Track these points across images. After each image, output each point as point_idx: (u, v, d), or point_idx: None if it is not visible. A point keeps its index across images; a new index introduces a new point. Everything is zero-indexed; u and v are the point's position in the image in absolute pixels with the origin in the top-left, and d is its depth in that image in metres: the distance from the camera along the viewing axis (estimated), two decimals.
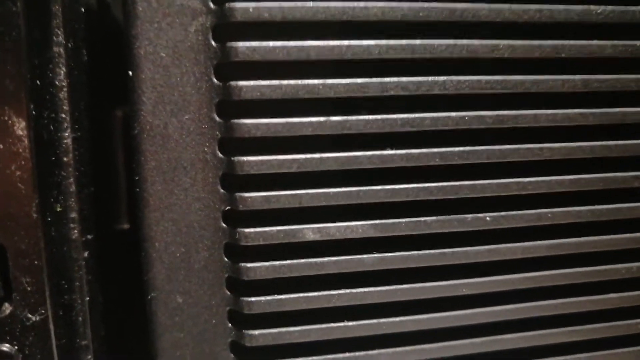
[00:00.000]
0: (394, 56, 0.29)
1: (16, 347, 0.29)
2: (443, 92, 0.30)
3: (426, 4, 0.29)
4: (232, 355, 0.33)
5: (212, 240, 0.31)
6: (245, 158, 0.29)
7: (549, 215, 0.33)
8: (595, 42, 0.31)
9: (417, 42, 0.29)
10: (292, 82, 0.29)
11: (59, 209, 0.29)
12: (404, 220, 0.31)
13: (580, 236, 0.34)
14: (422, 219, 0.32)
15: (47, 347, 0.29)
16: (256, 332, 0.32)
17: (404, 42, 0.29)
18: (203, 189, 0.30)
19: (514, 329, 0.35)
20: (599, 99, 0.32)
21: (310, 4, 0.28)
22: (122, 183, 0.34)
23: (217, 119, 0.29)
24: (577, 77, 0.31)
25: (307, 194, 0.30)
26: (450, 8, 0.29)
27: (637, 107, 0.32)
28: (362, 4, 0.28)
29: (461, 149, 0.31)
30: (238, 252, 0.31)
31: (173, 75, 0.28)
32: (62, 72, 0.28)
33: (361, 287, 0.32)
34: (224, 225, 0.31)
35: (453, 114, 0.30)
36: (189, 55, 0.28)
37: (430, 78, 0.30)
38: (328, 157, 0.30)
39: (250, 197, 0.30)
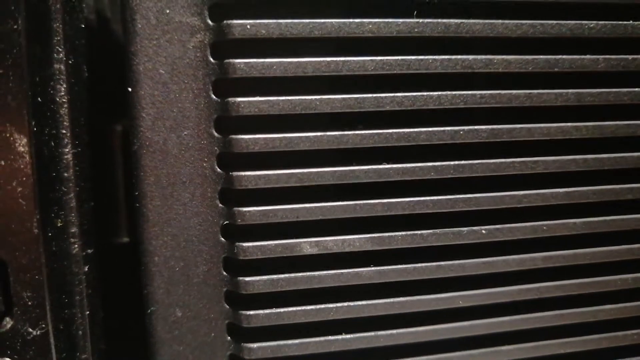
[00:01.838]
0: (389, 71, 0.30)
1: None
2: (438, 106, 0.30)
3: (421, 20, 0.29)
4: None
5: (211, 255, 0.31)
6: (243, 173, 0.29)
7: (544, 227, 0.33)
8: (588, 56, 0.31)
9: (412, 57, 0.30)
10: (289, 98, 0.29)
11: (59, 224, 0.29)
12: (400, 233, 0.32)
13: (575, 248, 0.34)
14: (419, 232, 0.32)
15: None
16: (255, 345, 0.32)
17: (399, 57, 0.29)
18: (202, 204, 0.30)
19: (511, 341, 0.35)
20: (592, 112, 0.32)
21: (307, 20, 0.28)
22: (121, 197, 0.34)
23: (216, 134, 0.29)
24: (571, 91, 0.32)
25: (305, 208, 0.30)
26: (445, 23, 0.30)
27: (630, 120, 0.33)
28: (357, 20, 0.29)
29: (456, 162, 0.31)
30: (236, 266, 0.31)
31: (172, 91, 0.29)
32: (63, 89, 0.29)
33: (358, 300, 0.32)
34: (223, 239, 0.31)
35: (448, 128, 0.31)
36: (187, 72, 0.29)
37: (425, 93, 0.30)
38: (325, 172, 0.30)
39: (249, 211, 0.30)
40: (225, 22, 0.28)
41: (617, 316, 0.36)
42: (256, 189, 0.30)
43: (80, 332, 0.31)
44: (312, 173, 0.30)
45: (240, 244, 0.30)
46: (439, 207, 0.32)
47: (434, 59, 0.30)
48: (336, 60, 0.29)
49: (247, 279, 0.31)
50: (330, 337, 0.32)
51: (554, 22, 0.31)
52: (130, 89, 0.29)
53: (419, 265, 0.32)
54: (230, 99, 0.29)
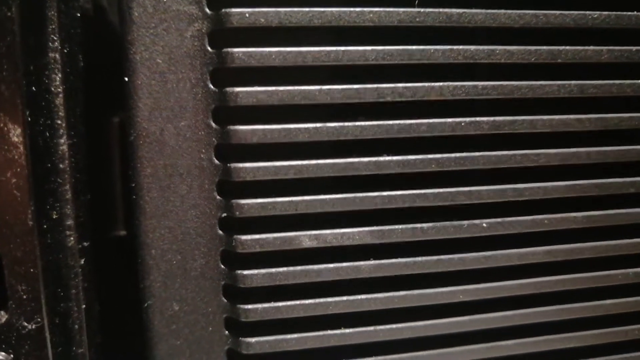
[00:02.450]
0: (390, 62, 0.29)
1: (12, 356, 0.29)
2: (439, 98, 0.30)
3: (422, 9, 0.29)
4: None
5: (209, 248, 0.30)
6: (241, 165, 0.29)
7: (546, 221, 0.33)
8: (591, 47, 0.31)
9: (414, 47, 0.29)
10: (288, 88, 0.29)
11: (55, 216, 0.29)
12: (400, 226, 0.31)
13: (576, 242, 0.34)
14: (419, 225, 0.31)
15: (43, 355, 0.29)
16: (253, 339, 0.32)
17: (400, 47, 0.29)
18: (199, 196, 0.30)
19: (511, 336, 0.35)
20: (595, 104, 0.32)
21: (306, 9, 0.28)
22: (118, 190, 0.34)
23: (214, 125, 0.29)
24: (574, 82, 0.31)
25: (304, 200, 0.30)
26: (447, 13, 0.29)
27: (633, 113, 0.32)
28: (358, 9, 0.28)
29: (457, 155, 0.31)
30: (234, 259, 0.31)
31: (169, 81, 0.28)
32: (58, 78, 0.28)
33: (358, 294, 0.32)
34: (221, 232, 0.30)
35: (449, 120, 0.30)
36: (185, 61, 0.28)
37: (426, 84, 0.30)
38: (324, 164, 0.30)
39: (247, 204, 0.30)
40: (223, 10, 0.28)
41: (618, 311, 0.36)
42: (255, 180, 0.29)
43: (76, 326, 0.30)
44: (311, 165, 0.30)
45: (239, 236, 0.30)
46: (439, 200, 0.31)
47: (436, 49, 0.30)
48: (336, 50, 0.29)
49: (245, 272, 0.31)
50: (329, 332, 0.32)
51: (557, 12, 0.30)
52: (126, 79, 0.28)
53: (419, 259, 0.32)
54: (228, 89, 0.28)
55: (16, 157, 0.27)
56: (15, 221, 0.28)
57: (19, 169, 0.27)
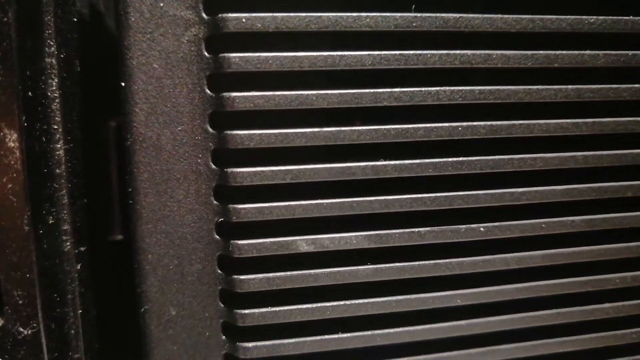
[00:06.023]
0: (387, 67, 0.29)
1: None
2: (436, 102, 0.30)
3: (419, 14, 0.29)
4: None
5: (206, 252, 0.30)
6: (238, 169, 0.29)
7: (543, 225, 0.33)
8: (587, 52, 0.31)
9: (410, 52, 0.29)
10: (285, 93, 0.29)
11: (51, 221, 0.29)
12: (398, 231, 0.31)
13: (574, 246, 0.34)
14: (416, 229, 0.31)
15: None
16: (250, 344, 0.32)
17: (396, 52, 0.29)
18: (196, 201, 0.30)
19: (509, 340, 0.35)
20: (592, 108, 0.32)
21: (303, 14, 0.28)
22: (115, 194, 0.34)
23: (210, 130, 0.29)
24: (570, 87, 0.31)
25: (301, 205, 0.30)
26: (444, 18, 0.29)
27: (629, 117, 0.32)
28: (355, 14, 0.28)
29: (455, 159, 0.31)
30: (231, 264, 0.31)
31: (166, 86, 0.28)
32: (55, 83, 0.28)
33: (355, 298, 0.32)
34: (218, 237, 0.30)
35: (446, 124, 0.30)
36: (181, 66, 0.28)
37: (423, 88, 0.30)
38: (321, 168, 0.30)
39: (244, 208, 0.30)
40: (220, 15, 0.28)
41: (616, 315, 0.36)
42: (251, 185, 0.29)
43: (72, 332, 0.30)
44: (308, 170, 0.30)
45: (235, 241, 0.30)
46: (436, 204, 0.31)
47: (432, 54, 0.29)
48: (333, 55, 0.29)
49: (242, 277, 0.31)
50: (326, 336, 0.32)
51: (554, 17, 0.30)
52: (123, 84, 0.28)
53: (417, 263, 0.32)
54: (225, 94, 0.28)
55: (12, 162, 0.27)
56: (11, 226, 0.28)
57: (15, 174, 0.27)
